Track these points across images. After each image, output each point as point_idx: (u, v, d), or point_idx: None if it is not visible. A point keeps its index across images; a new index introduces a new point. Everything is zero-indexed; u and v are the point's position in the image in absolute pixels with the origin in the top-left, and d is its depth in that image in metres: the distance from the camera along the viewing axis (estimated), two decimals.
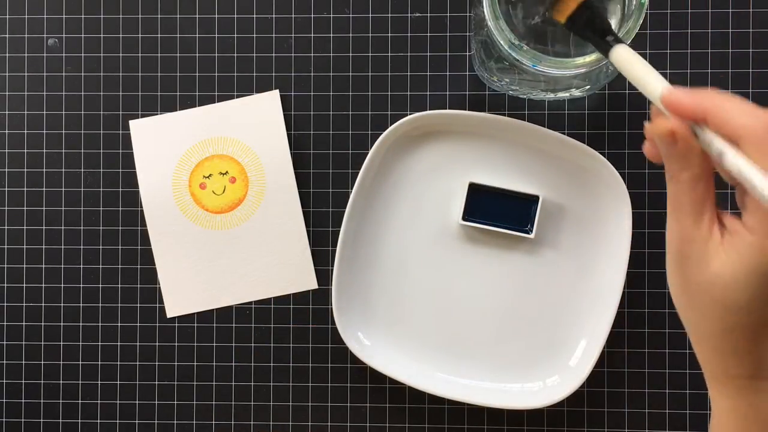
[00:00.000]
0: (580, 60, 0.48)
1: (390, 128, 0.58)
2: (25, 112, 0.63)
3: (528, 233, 0.59)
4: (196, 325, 0.62)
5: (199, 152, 0.62)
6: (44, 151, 0.63)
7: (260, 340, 0.62)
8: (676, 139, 0.35)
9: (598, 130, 0.61)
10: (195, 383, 0.62)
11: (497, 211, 0.59)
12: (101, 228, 0.63)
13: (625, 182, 0.57)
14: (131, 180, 0.62)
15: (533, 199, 0.59)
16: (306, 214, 0.62)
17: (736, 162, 0.33)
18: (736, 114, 0.34)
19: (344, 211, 0.59)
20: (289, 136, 0.61)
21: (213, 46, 0.62)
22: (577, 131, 0.61)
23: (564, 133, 0.58)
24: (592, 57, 0.47)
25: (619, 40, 0.43)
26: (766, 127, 0.33)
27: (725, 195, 0.40)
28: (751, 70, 0.60)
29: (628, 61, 0.41)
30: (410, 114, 0.59)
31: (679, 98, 0.35)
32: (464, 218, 0.59)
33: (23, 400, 0.63)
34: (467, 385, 0.60)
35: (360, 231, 0.60)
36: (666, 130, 0.35)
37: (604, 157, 0.57)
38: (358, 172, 0.59)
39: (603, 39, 0.44)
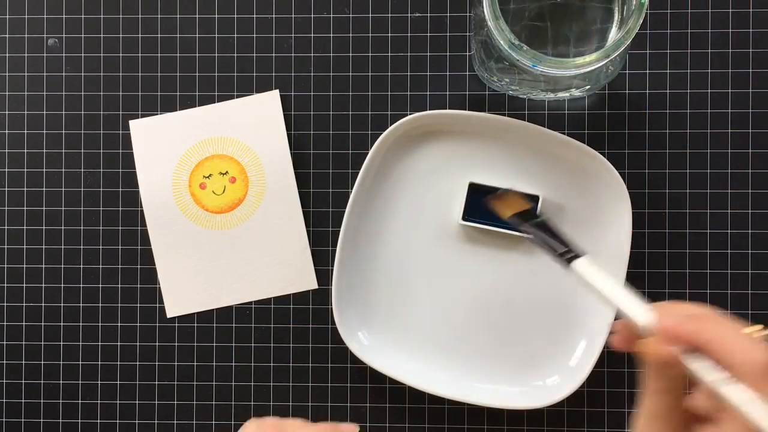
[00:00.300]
0: (580, 60, 0.48)
1: (390, 128, 0.58)
2: (25, 112, 0.63)
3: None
4: (196, 325, 0.62)
5: (199, 152, 0.62)
6: (44, 151, 0.63)
7: (260, 340, 0.62)
8: (672, 364, 0.36)
9: (598, 130, 0.61)
10: (195, 383, 0.62)
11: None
12: (101, 228, 0.63)
13: (625, 182, 0.57)
14: (131, 180, 0.62)
15: (533, 199, 0.59)
16: (306, 214, 0.61)
17: (735, 393, 0.34)
18: (738, 347, 0.34)
19: (344, 211, 0.59)
20: (289, 136, 0.61)
21: (213, 46, 0.62)
22: (577, 131, 0.61)
23: (564, 133, 0.58)
24: (592, 57, 0.47)
25: (574, 256, 0.44)
26: (766, 364, 0.33)
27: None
28: (751, 70, 0.60)
29: (591, 277, 0.43)
30: (410, 114, 0.59)
31: (680, 329, 0.36)
32: (464, 218, 0.59)
33: (23, 400, 0.63)
34: (467, 385, 0.60)
35: (360, 231, 0.60)
36: (662, 357, 0.36)
37: (604, 157, 0.57)
38: (358, 172, 0.59)
39: (557, 252, 0.46)
